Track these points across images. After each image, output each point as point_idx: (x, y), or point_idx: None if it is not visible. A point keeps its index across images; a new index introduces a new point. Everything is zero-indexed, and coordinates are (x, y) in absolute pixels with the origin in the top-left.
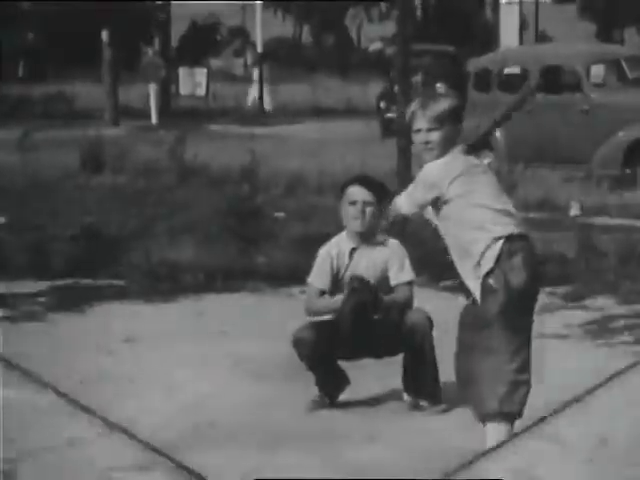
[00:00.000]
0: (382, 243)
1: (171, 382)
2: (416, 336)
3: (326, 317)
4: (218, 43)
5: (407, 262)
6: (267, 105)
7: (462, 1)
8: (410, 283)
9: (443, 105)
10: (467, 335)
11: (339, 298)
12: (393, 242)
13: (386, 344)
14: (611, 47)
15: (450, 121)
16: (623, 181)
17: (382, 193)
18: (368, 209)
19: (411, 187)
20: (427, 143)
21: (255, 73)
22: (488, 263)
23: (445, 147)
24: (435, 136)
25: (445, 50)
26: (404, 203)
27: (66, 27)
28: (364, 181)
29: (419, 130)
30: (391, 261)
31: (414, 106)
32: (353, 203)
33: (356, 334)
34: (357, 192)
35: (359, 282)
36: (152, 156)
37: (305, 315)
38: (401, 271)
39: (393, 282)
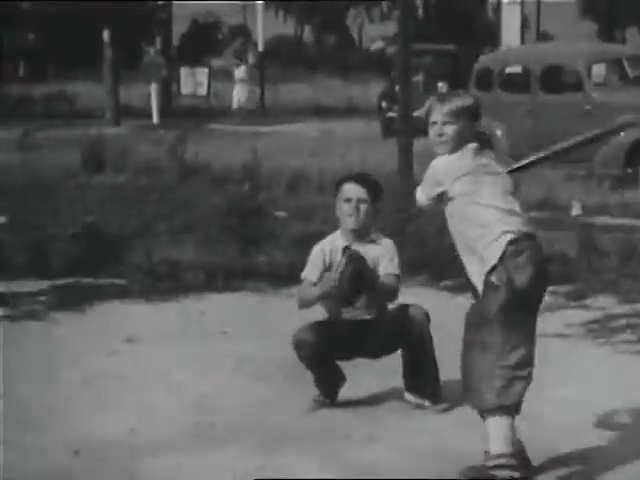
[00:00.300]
0: (375, 241)
1: (171, 381)
2: (415, 330)
3: (322, 316)
4: (219, 42)
5: (397, 259)
6: (249, 105)
7: (463, 0)
8: (397, 277)
9: (460, 101)
10: (471, 334)
11: (328, 277)
12: (386, 240)
13: (383, 343)
14: (612, 46)
15: (465, 117)
16: (624, 180)
17: (377, 191)
18: (362, 206)
19: (424, 179)
20: (441, 135)
21: (237, 72)
22: (492, 260)
23: (458, 142)
24: (449, 130)
25: (446, 49)
26: (419, 194)
27: (67, 27)
28: (359, 179)
29: (434, 123)
30: (382, 257)
31: (432, 100)
32: (347, 200)
33: (354, 333)
34: (352, 189)
35: (354, 253)
36: (153, 155)
37: (298, 308)
38: (390, 264)
39: (381, 272)
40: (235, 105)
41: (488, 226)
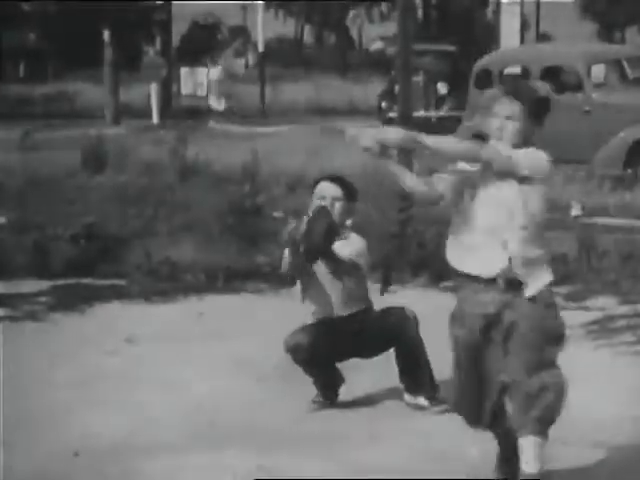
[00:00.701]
0: (345, 237)
1: (171, 382)
2: (404, 332)
3: (316, 317)
4: (219, 43)
5: (360, 250)
6: (219, 105)
7: (463, 1)
8: (352, 261)
9: (526, 100)
10: (544, 353)
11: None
12: (356, 236)
13: (371, 344)
14: (612, 47)
15: (529, 117)
16: (624, 181)
17: (351, 191)
18: (337, 204)
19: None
20: (500, 130)
21: (212, 73)
22: (548, 277)
23: (519, 140)
24: (511, 126)
25: (446, 50)
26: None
27: (67, 27)
28: (334, 178)
29: (496, 115)
30: (347, 248)
31: (499, 89)
32: (322, 198)
33: (343, 332)
34: (327, 188)
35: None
36: (153, 155)
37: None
38: (353, 251)
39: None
40: (211, 105)
41: (543, 243)
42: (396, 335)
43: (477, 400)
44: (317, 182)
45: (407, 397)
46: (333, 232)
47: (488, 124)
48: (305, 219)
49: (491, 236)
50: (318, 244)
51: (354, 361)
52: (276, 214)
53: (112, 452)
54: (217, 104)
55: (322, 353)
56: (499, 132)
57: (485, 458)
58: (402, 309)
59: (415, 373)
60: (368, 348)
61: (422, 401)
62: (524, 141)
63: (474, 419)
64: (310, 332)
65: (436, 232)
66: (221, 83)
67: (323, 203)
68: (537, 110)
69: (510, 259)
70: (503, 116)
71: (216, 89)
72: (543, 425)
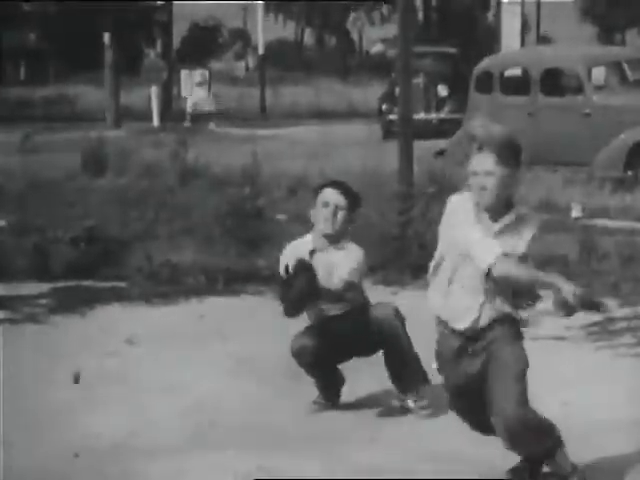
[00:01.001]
0: (344, 248)
1: (172, 384)
2: (386, 329)
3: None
4: (219, 45)
5: (356, 266)
6: (210, 106)
7: (464, 3)
8: (346, 282)
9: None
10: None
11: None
12: (353, 246)
13: (369, 340)
14: (612, 49)
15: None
16: (625, 183)
17: (355, 200)
18: (340, 213)
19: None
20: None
21: (194, 76)
22: None
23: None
24: (490, 184)
25: (447, 52)
26: None
27: (67, 27)
28: (339, 186)
29: (475, 173)
30: (342, 261)
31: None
32: (326, 205)
33: (340, 332)
34: (331, 195)
35: (306, 263)
36: (154, 158)
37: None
38: (344, 269)
39: (335, 275)
40: (189, 108)
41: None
42: (378, 332)
43: (476, 417)
44: (321, 188)
45: (397, 398)
46: (314, 289)
47: (470, 182)
48: (285, 270)
49: (465, 290)
50: (299, 303)
51: (355, 361)
52: (278, 217)
53: (112, 453)
54: (209, 105)
55: (326, 354)
56: (481, 192)
57: (485, 458)
58: (387, 305)
59: (398, 372)
60: (367, 345)
61: (409, 403)
62: (507, 198)
63: (478, 429)
64: (313, 334)
65: (436, 233)
66: (204, 85)
67: (326, 209)
68: (513, 154)
69: (478, 317)
70: (482, 173)
71: (200, 91)
72: (538, 452)
